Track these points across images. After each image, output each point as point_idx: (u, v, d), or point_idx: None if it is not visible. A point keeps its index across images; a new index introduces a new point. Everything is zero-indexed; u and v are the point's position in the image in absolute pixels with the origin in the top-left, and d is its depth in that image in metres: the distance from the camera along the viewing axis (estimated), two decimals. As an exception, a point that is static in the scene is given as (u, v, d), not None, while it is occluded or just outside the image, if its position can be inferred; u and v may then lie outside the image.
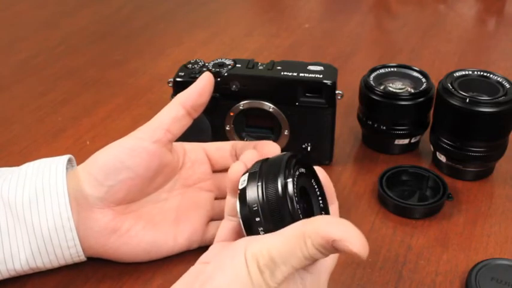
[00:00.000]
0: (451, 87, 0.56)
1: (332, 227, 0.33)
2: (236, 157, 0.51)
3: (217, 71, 0.57)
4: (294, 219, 0.37)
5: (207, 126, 0.59)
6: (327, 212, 0.42)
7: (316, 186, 0.42)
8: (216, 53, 0.84)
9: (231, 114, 0.58)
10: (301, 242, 0.33)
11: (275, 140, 0.59)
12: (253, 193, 0.38)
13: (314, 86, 0.56)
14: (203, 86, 0.47)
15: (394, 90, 0.61)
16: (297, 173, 0.39)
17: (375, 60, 0.80)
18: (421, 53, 0.86)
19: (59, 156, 0.48)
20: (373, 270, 0.49)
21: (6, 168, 0.50)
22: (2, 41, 0.93)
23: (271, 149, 0.46)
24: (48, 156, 0.49)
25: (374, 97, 0.60)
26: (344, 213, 0.44)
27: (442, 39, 0.90)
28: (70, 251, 0.46)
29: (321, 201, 0.42)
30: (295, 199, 0.37)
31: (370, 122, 0.62)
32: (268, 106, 0.57)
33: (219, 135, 0.59)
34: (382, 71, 0.63)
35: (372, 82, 0.61)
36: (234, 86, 0.57)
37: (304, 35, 0.93)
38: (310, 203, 0.41)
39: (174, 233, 0.49)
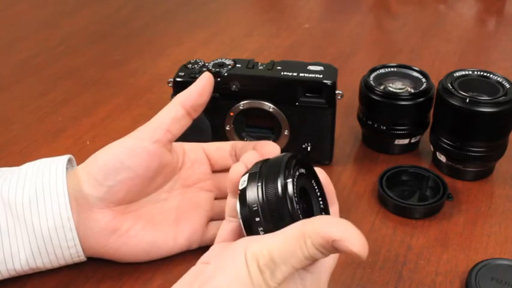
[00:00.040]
0: (451, 87, 0.56)
1: (332, 226, 0.33)
2: (236, 157, 0.51)
3: (217, 71, 0.57)
4: (293, 219, 0.37)
5: (207, 126, 0.59)
6: (327, 213, 0.42)
7: (316, 187, 0.42)
8: (216, 53, 0.84)
9: (231, 114, 0.58)
10: (301, 242, 0.33)
11: (275, 140, 0.59)
12: (253, 193, 0.38)
13: (314, 86, 0.56)
14: (203, 86, 0.47)
15: (394, 90, 0.61)
16: (297, 173, 0.39)
17: (375, 60, 0.80)
18: (421, 53, 0.86)
19: (59, 156, 0.48)
20: (373, 270, 0.49)
21: (6, 168, 0.50)
22: (2, 41, 0.93)
23: (270, 149, 0.46)
24: (48, 156, 0.49)
25: (374, 97, 0.60)
26: (344, 213, 0.44)
27: (442, 39, 0.90)
28: (70, 251, 0.46)
29: (321, 202, 0.42)
30: (295, 199, 0.37)
31: (370, 122, 0.62)
32: (268, 106, 0.57)
33: (219, 135, 0.59)
34: (382, 71, 0.63)
35: (371, 82, 0.61)
36: (234, 86, 0.57)
37: (304, 35, 0.93)
38: (310, 204, 0.41)
39: (174, 233, 0.49)
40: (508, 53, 0.87)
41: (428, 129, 0.62)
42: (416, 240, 0.52)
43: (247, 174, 0.40)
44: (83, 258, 0.47)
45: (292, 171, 0.38)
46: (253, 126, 0.60)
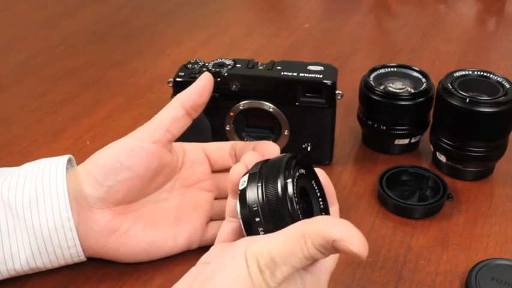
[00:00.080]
0: (451, 87, 0.56)
1: (332, 227, 0.33)
2: (236, 157, 0.51)
3: (217, 71, 0.57)
4: (293, 219, 0.37)
5: (207, 126, 0.59)
6: (327, 213, 0.42)
7: (316, 187, 0.42)
8: (216, 53, 0.84)
9: (231, 114, 0.58)
10: (301, 242, 0.33)
11: (275, 140, 0.59)
12: (253, 193, 0.38)
13: (314, 86, 0.56)
14: (203, 86, 0.47)
15: (394, 90, 0.61)
16: (297, 173, 0.39)
17: (375, 60, 0.80)
18: (421, 53, 0.86)
19: (59, 156, 0.48)
20: (373, 270, 0.49)
21: (6, 168, 0.50)
22: (2, 41, 0.93)
23: (270, 149, 0.46)
24: (48, 156, 0.49)
25: (374, 97, 0.60)
26: (344, 213, 0.44)
27: (442, 39, 0.90)
28: (70, 251, 0.46)
29: (321, 202, 0.42)
30: (294, 199, 0.37)
31: (370, 122, 0.62)
32: (268, 106, 0.57)
33: (219, 135, 0.59)
34: (382, 71, 0.63)
35: (372, 82, 0.61)
36: (234, 86, 0.57)
37: (304, 35, 0.93)
38: (310, 204, 0.41)
39: (174, 233, 0.49)
40: (508, 53, 0.87)
41: (428, 129, 0.62)
42: (416, 240, 0.52)
43: (247, 175, 0.40)
44: (83, 258, 0.47)
45: (292, 172, 0.38)
46: (253, 126, 0.60)
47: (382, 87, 0.61)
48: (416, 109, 0.60)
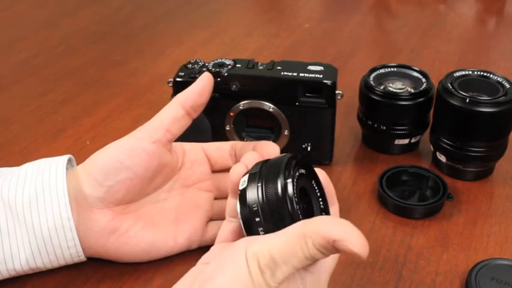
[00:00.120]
0: (451, 87, 0.56)
1: (332, 227, 0.33)
2: (236, 157, 0.51)
3: (217, 71, 0.57)
4: (293, 219, 0.37)
5: (207, 126, 0.59)
6: (327, 213, 0.42)
7: (316, 187, 0.42)
8: (216, 53, 0.84)
9: (231, 114, 0.58)
10: (302, 242, 0.33)
11: (275, 140, 0.59)
12: (253, 193, 0.38)
13: (314, 86, 0.56)
14: (203, 86, 0.47)
15: (394, 90, 0.61)
16: (297, 174, 0.39)
17: (375, 60, 0.80)
18: (421, 53, 0.86)
19: (59, 156, 0.48)
20: (373, 270, 0.49)
21: (6, 168, 0.50)
22: (2, 41, 0.93)
23: (270, 149, 0.46)
24: (48, 156, 0.49)
25: (374, 97, 0.60)
26: (344, 213, 0.44)
27: (442, 39, 0.90)
28: (70, 251, 0.46)
29: (321, 202, 0.42)
30: (294, 200, 0.37)
31: (370, 122, 0.62)
32: (268, 106, 0.57)
33: (219, 135, 0.59)
34: (382, 71, 0.63)
35: (372, 82, 0.61)
36: (234, 86, 0.57)
37: (304, 35, 0.93)
38: (311, 204, 0.41)
39: (174, 233, 0.49)
40: (508, 53, 0.87)
41: (428, 129, 0.62)
42: (416, 240, 0.52)
43: (247, 175, 0.40)
44: (83, 258, 0.47)
45: (292, 172, 0.38)
46: (253, 126, 0.60)
47: (382, 87, 0.61)
48: (416, 109, 0.60)
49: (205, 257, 0.41)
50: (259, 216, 0.38)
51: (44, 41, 0.92)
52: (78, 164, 0.48)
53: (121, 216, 0.47)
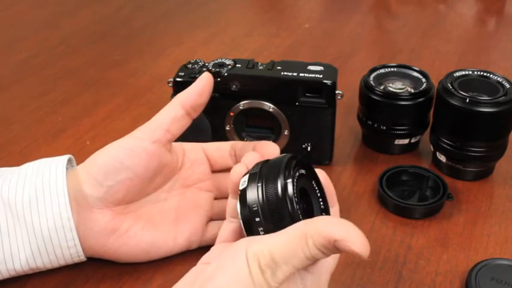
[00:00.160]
0: (451, 87, 0.56)
1: (333, 226, 0.33)
2: (236, 157, 0.51)
3: (217, 71, 0.57)
4: (293, 219, 0.37)
5: (207, 126, 0.59)
6: (328, 213, 0.42)
7: (316, 188, 0.42)
8: (216, 53, 0.84)
9: (231, 114, 0.58)
10: (302, 242, 0.33)
11: (275, 140, 0.59)
12: (253, 194, 0.38)
13: (314, 86, 0.56)
14: (203, 86, 0.47)
15: (394, 90, 0.61)
16: (297, 174, 0.39)
17: (375, 60, 0.80)
18: (421, 53, 0.86)
19: (59, 156, 0.48)
20: (373, 270, 0.49)
21: (6, 168, 0.50)
22: (2, 41, 0.93)
23: (270, 149, 0.46)
24: (48, 156, 0.49)
25: (374, 97, 0.60)
26: (344, 213, 0.44)
27: (442, 39, 0.90)
28: (70, 251, 0.46)
29: (321, 203, 0.42)
30: (294, 200, 0.37)
31: (370, 122, 0.62)
32: (268, 106, 0.57)
33: (219, 135, 0.59)
34: (382, 71, 0.63)
35: (372, 82, 0.61)
36: (234, 86, 0.57)
37: (304, 35, 0.93)
38: (311, 204, 0.41)
39: (174, 233, 0.49)
40: (508, 53, 0.87)
41: (428, 129, 0.62)
42: (416, 240, 0.52)
43: (247, 175, 0.40)
44: (83, 258, 0.47)
45: (292, 172, 0.38)
46: (253, 126, 0.60)
47: (382, 87, 0.61)
48: (416, 109, 0.60)
49: (205, 257, 0.41)
50: (259, 216, 0.38)
51: (44, 41, 0.92)
52: (78, 164, 0.48)
53: (121, 216, 0.47)
